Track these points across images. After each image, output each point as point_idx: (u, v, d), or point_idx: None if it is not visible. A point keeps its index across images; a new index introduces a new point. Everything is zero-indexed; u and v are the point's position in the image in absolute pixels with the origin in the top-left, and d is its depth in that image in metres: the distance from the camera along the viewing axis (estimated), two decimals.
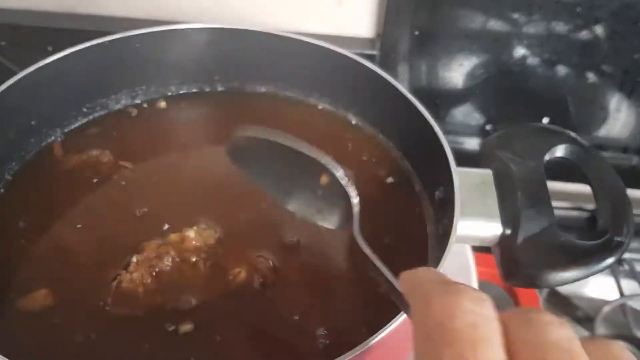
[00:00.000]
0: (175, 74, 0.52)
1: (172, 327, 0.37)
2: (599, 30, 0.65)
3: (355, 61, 0.48)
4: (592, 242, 0.37)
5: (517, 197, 0.38)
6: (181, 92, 0.53)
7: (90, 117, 0.50)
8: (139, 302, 0.38)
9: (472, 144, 0.76)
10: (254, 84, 0.54)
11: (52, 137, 0.48)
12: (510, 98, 0.72)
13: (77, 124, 0.50)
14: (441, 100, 0.73)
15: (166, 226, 0.42)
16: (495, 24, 0.66)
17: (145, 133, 0.50)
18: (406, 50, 0.68)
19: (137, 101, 0.52)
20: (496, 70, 0.69)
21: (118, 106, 0.51)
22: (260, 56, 0.52)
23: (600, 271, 0.36)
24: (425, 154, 0.44)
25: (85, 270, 0.40)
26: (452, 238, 0.35)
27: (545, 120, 0.70)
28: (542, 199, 0.38)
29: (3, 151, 0.45)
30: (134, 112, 0.51)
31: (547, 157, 0.41)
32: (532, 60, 0.68)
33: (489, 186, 0.40)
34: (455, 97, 0.71)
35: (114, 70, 0.50)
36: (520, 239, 0.37)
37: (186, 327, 0.37)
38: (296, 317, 0.38)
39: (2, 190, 0.44)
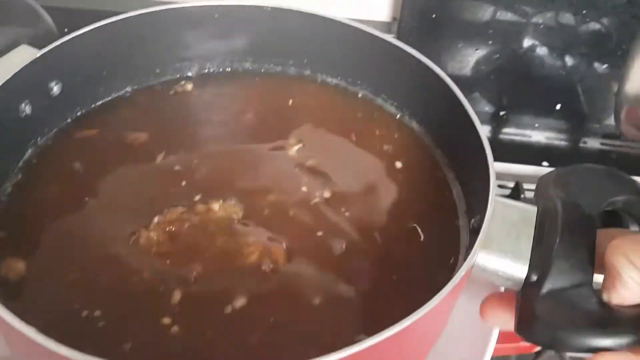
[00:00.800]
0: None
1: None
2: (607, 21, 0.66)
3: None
4: (632, 311, 0.32)
5: (555, 243, 0.34)
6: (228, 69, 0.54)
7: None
8: (149, 260, 0.39)
9: (484, 130, 0.73)
10: (297, 68, 0.53)
11: (122, 91, 0.50)
12: (524, 85, 0.72)
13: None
14: (456, 85, 0.70)
15: (197, 197, 0.42)
16: (509, 10, 0.67)
17: (189, 108, 0.51)
18: (423, 34, 0.68)
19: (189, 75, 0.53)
20: (510, 55, 0.69)
21: (184, 74, 0.52)
22: (300, 39, 0.51)
23: (632, 345, 0.32)
24: (473, 178, 0.41)
25: (110, 226, 0.41)
26: (464, 268, 0.32)
27: (558, 107, 0.71)
28: (582, 253, 0.34)
29: (72, 93, 0.47)
30: (186, 86, 0.52)
31: (605, 207, 0.37)
32: (544, 48, 0.68)
33: (528, 225, 0.36)
34: (470, 83, 0.70)
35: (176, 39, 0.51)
36: (545, 289, 0.33)
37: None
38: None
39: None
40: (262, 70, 0.53)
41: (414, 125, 0.49)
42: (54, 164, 0.44)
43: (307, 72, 0.53)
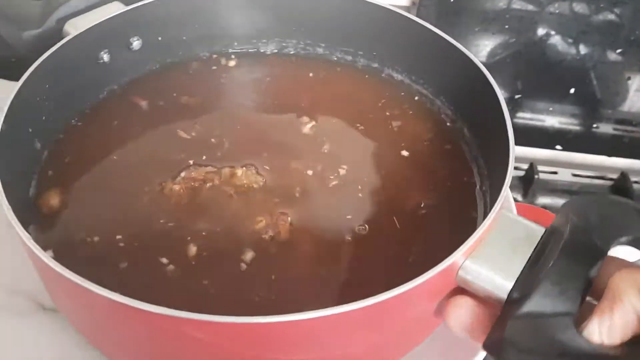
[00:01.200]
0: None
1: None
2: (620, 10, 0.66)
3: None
4: (609, 352, 0.29)
5: (549, 264, 0.32)
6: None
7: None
8: (167, 209, 0.42)
9: None
10: (365, 59, 0.54)
11: (199, 54, 0.54)
12: (539, 70, 0.73)
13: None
14: None
15: (225, 162, 0.45)
16: None
17: (248, 81, 0.53)
18: (441, 18, 0.69)
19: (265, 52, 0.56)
20: (526, 41, 0.70)
21: (260, 49, 0.55)
22: (369, 30, 0.51)
23: None
24: (494, 176, 0.41)
25: (143, 175, 0.44)
26: (439, 267, 0.31)
27: (571, 91, 0.73)
28: (576, 282, 0.31)
29: (151, 51, 0.51)
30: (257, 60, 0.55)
31: (620, 242, 0.33)
32: (558, 36, 0.69)
33: (529, 244, 0.33)
34: (486, 67, 0.68)
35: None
36: (523, 310, 0.31)
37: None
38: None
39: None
40: (334, 58, 0.55)
41: (465, 131, 0.48)
42: (113, 113, 0.49)
43: (375, 65, 0.53)
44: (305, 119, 0.49)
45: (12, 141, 0.39)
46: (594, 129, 0.77)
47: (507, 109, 0.40)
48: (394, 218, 0.42)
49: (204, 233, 0.40)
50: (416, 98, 0.51)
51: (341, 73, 0.54)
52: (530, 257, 0.33)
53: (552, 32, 0.69)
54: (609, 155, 0.71)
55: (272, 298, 0.37)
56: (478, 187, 0.44)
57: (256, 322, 0.29)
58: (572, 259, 0.32)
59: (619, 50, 0.70)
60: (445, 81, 0.49)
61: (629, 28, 0.68)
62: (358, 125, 0.49)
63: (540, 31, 0.69)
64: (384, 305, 0.30)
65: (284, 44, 0.55)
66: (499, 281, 0.33)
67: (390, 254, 0.41)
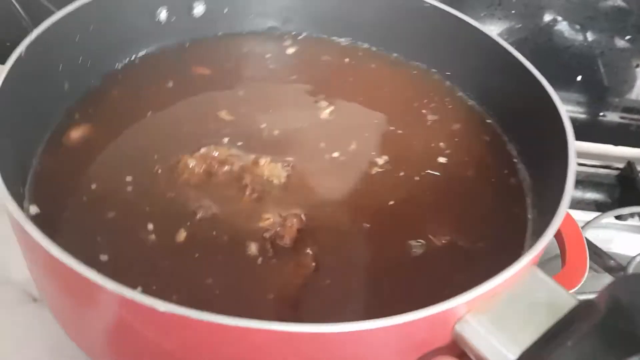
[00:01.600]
0: None
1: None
2: None
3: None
4: None
5: (566, 343, 0.25)
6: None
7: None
8: (175, 184, 0.39)
9: None
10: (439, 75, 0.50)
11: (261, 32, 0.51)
12: (545, 56, 0.70)
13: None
14: None
15: (253, 148, 0.41)
16: None
17: (312, 67, 0.50)
18: (446, 2, 0.60)
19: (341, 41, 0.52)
20: (532, 27, 0.68)
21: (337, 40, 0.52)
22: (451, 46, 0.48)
23: None
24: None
25: (168, 140, 0.42)
26: (422, 312, 0.26)
27: (578, 78, 0.71)
28: None
29: (214, 19, 0.49)
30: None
31: None
32: (565, 22, 0.67)
33: (552, 313, 0.27)
34: None
35: None
36: None
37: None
38: None
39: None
40: (412, 64, 0.51)
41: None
42: (155, 72, 0.47)
43: (448, 84, 0.48)
44: (343, 117, 0.45)
45: (32, 77, 0.38)
46: (600, 118, 0.74)
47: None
48: (429, 236, 0.37)
49: (199, 216, 0.37)
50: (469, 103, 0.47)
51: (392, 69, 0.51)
52: (549, 329, 0.27)
53: (559, 18, 0.67)
54: (615, 144, 0.70)
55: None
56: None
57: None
58: (601, 344, 0.26)
59: (627, 37, 0.68)
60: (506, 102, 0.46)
61: (638, 14, 0.66)
62: (396, 126, 0.45)
63: (547, 17, 0.67)
64: (351, 337, 0.26)
65: (355, 44, 0.52)
66: (501, 349, 0.27)
67: (422, 279, 0.35)
